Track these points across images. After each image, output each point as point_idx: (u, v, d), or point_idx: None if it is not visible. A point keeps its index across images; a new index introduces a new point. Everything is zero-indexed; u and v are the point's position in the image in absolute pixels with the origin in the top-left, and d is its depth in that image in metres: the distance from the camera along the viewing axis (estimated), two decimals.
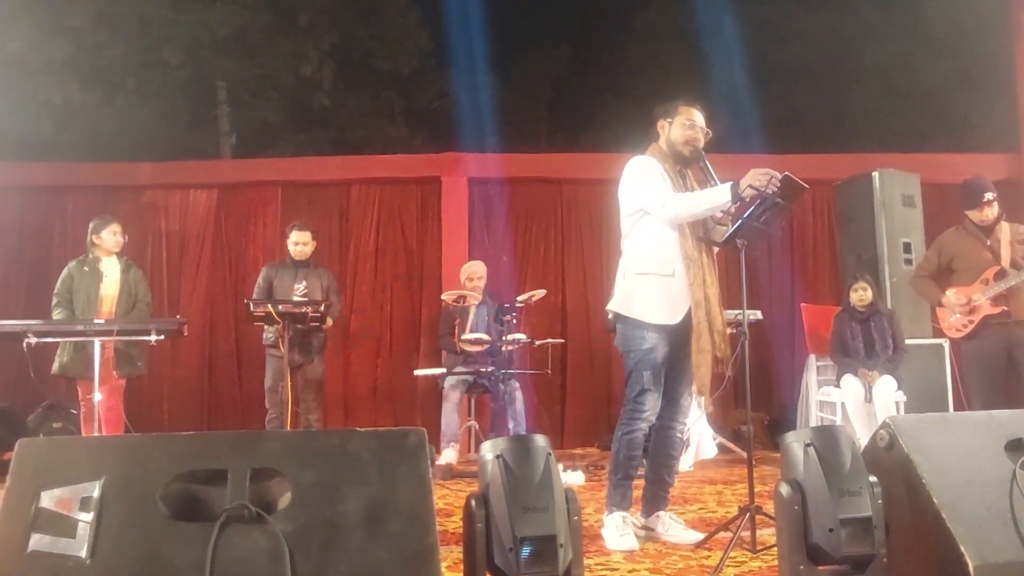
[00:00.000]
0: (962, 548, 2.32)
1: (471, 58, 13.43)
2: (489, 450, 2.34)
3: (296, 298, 5.92)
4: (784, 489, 2.49)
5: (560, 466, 5.58)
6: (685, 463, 5.90)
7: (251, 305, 5.48)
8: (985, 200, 5.01)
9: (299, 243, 6.14)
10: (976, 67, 10.98)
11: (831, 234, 7.94)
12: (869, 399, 5.87)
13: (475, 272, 6.70)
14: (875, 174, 6.91)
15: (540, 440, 2.38)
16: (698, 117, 3.78)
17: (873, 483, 2.45)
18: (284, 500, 2.05)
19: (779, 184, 3.41)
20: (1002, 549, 2.36)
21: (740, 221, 3.54)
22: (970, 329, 5.02)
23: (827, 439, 2.52)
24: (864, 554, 2.38)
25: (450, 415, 6.29)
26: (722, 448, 6.42)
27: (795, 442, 2.55)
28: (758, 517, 3.39)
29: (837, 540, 2.37)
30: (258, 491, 2.04)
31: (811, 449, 2.48)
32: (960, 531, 2.35)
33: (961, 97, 11.67)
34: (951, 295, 5.05)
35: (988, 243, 5.03)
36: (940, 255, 5.24)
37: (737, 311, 6.05)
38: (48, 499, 1.94)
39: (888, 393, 5.82)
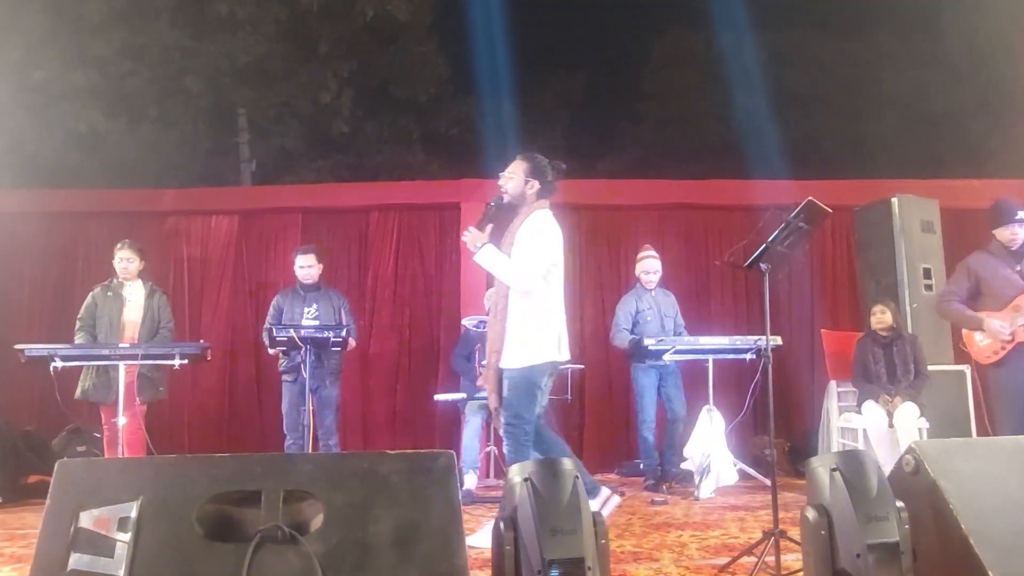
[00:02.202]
0: (990, 573, 2.32)
1: (488, 85, 13.59)
2: (517, 473, 2.35)
3: (308, 322, 5.98)
4: (811, 514, 2.50)
5: None
6: (706, 489, 5.88)
7: (272, 331, 5.54)
8: (1017, 219, 4.95)
9: (303, 266, 6.20)
10: (994, 93, 11.00)
11: (851, 260, 7.92)
12: (891, 425, 5.83)
13: None
14: (894, 200, 6.90)
15: (568, 463, 2.40)
16: None
17: (900, 508, 2.44)
18: (316, 521, 2.08)
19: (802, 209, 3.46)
20: None
21: (764, 245, 3.57)
22: (1001, 356, 4.93)
23: (853, 464, 2.52)
24: None
25: (470, 440, 6.29)
26: (743, 475, 6.38)
27: (821, 467, 2.56)
28: (782, 542, 3.38)
29: (865, 565, 2.36)
30: (291, 512, 2.07)
31: (837, 474, 2.48)
32: (988, 556, 2.35)
33: (980, 123, 11.68)
34: (995, 321, 4.93)
35: (1017, 268, 4.97)
36: (969, 277, 5.18)
37: (751, 336, 6.16)
38: (87, 519, 1.97)
39: (910, 420, 5.77)
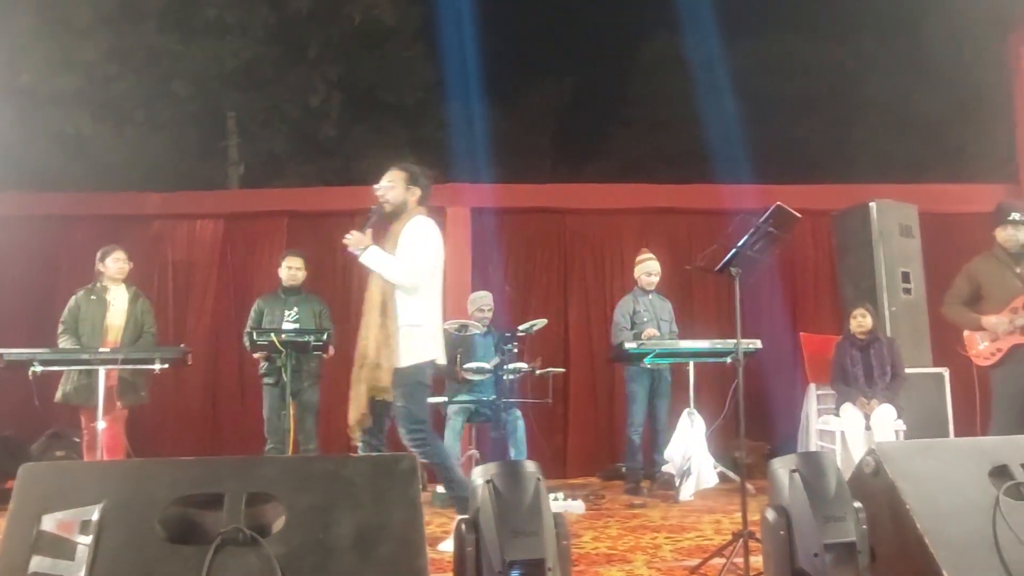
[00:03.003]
0: (945, 573, 2.36)
1: (475, 90, 13.58)
2: (479, 475, 2.38)
3: (288, 325, 6.01)
4: (770, 514, 2.54)
5: (561, 495, 5.60)
6: (686, 492, 5.92)
7: (253, 335, 5.55)
8: (1010, 220, 5.01)
9: (292, 267, 6.26)
10: (975, 99, 11.09)
11: (830, 264, 7.95)
12: (868, 428, 5.88)
13: (485, 303, 6.74)
14: (873, 204, 6.95)
15: (530, 465, 2.43)
16: None
17: (858, 508, 2.48)
18: (278, 523, 2.11)
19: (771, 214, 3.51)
20: (984, 574, 2.40)
21: (735, 250, 3.62)
22: (998, 357, 4.96)
23: (812, 465, 2.56)
24: None
25: (451, 443, 6.30)
26: (722, 477, 6.41)
27: (781, 468, 2.60)
28: (752, 543, 3.41)
29: (822, 565, 2.40)
30: (253, 515, 2.10)
31: (796, 475, 2.52)
32: (943, 556, 2.39)
33: (960, 128, 11.77)
34: (992, 318, 4.97)
35: (1017, 271, 4.99)
36: (969, 281, 5.23)
37: (732, 340, 6.18)
38: (50, 522, 2.00)
39: (887, 422, 5.83)
